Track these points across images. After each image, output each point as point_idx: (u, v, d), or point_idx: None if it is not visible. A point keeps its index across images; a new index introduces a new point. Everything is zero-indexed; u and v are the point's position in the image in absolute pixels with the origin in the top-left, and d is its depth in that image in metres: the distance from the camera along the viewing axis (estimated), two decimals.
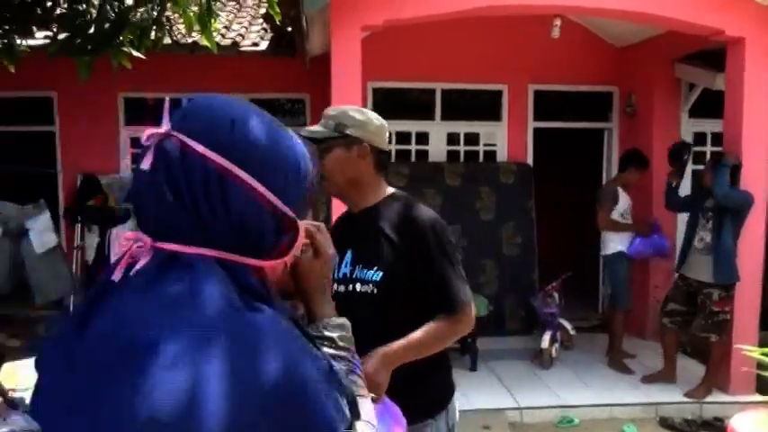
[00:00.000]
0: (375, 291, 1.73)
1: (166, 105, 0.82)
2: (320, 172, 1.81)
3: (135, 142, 6.69)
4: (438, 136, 6.21)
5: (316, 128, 1.79)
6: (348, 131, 1.76)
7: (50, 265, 5.20)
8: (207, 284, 0.74)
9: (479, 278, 5.64)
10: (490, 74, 6.10)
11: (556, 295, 5.21)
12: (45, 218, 5.24)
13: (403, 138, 6.19)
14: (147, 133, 0.80)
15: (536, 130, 6.32)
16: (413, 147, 6.19)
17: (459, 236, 5.74)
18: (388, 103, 6.18)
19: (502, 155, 6.23)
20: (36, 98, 6.52)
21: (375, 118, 1.83)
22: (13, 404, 3.89)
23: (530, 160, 6.23)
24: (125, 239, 0.81)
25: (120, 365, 0.69)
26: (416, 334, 1.68)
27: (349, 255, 1.80)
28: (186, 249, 0.77)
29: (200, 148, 0.77)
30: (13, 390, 4.48)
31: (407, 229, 1.75)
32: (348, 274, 1.78)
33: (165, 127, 0.79)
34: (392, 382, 1.60)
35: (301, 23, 4.07)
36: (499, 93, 6.25)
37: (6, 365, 4.32)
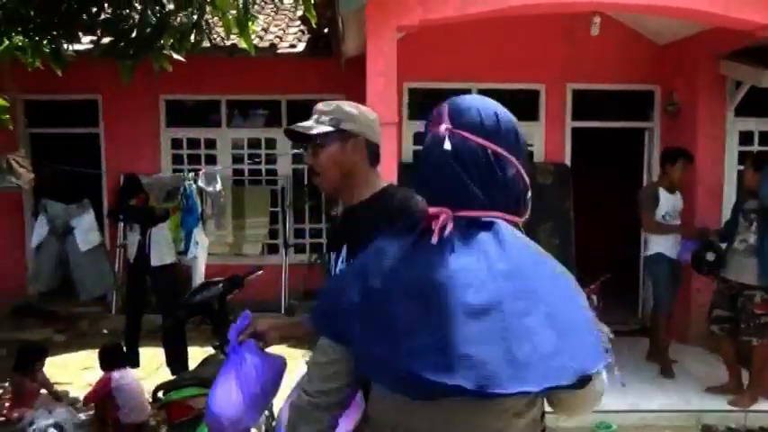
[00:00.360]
0: None
1: (445, 111, 1.17)
2: (314, 168, 1.79)
3: (176, 143, 6.85)
4: None
5: (309, 123, 1.76)
6: (343, 126, 1.74)
7: (94, 262, 5.36)
8: (513, 236, 1.08)
9: None
10: (527, 73, 6.03)
11: (594, 298, 5.10)
12: (89, 217, 5.41)
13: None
14: (440, 130, 1.13)
15: (574, 130, 6.22)
16: None
17: (549, 233, 5.65)
18: (423, 104, 6.17)
19: (539, 155, 6.15)
20: (82, 101, 6.73)
21: (368, 111, 1.82)
22: (58, 397, 4.04)
23: (567, 160, 6.13)
24: (432, 212, 1.10)
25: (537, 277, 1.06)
26: None
27: (344, 250, 1.76)
28: (484, 213, 1.09)
29: (479, 140, 1.11)
30: (58, 383, 4.63)
31: (397, 219, 1.74)
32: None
33: (447, 125, 1.13)
34: None
35: (337, 25, 4.09)
36: (536, 92, 6.17)
37: (51, 360, 4.46)
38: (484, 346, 0.95)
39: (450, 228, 1.06)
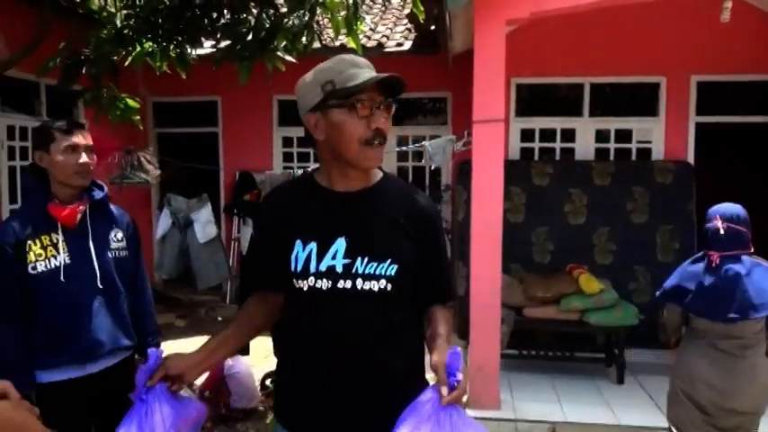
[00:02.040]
0: (389, 287, 1.46)
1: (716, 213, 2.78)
2: (385, 135, 1.48)
3: (287, 141, 7.13)
4: (586, 133, 5.89)
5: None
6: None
7: (211, 254, 5.70)
8: (750, 260, 2.68)
9: (629, 285, 5.27)
10: (646, 65, 5.66)
11: None
12: (207, 211, 5.76)
13: (547, 135, 5.95)
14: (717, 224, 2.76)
15: (698, 126, 5.76)
16: (557, 144, 5.93)
17: (606, 238, 5.41)
18: (531, 100, 5.98)
19: (658, 153, 5.76)
20: (203, 102, 7.18)
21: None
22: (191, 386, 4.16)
23: (690, 158, 5.70)
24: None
25: None
26: (442, 329, 1.50)
27: (342, 244, 1.46)
28: (737, 252, 2.67)
29: (734, 226, 2.79)
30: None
31: (418, 216, 1.53)
32: (342, 268, 1.46)
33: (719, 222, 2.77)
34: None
35: (445, 21, 4.05)
36: (656, 86, 5.78)
37: (171, 343, 4.78)
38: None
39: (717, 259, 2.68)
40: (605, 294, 4.61)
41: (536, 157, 5.91)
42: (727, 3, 4.48)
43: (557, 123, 5.91)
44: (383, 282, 1.45)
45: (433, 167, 5.38)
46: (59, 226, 2.10)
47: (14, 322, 2.02)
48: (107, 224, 2.23)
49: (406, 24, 6.61)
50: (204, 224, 5.63)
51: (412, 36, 6.28)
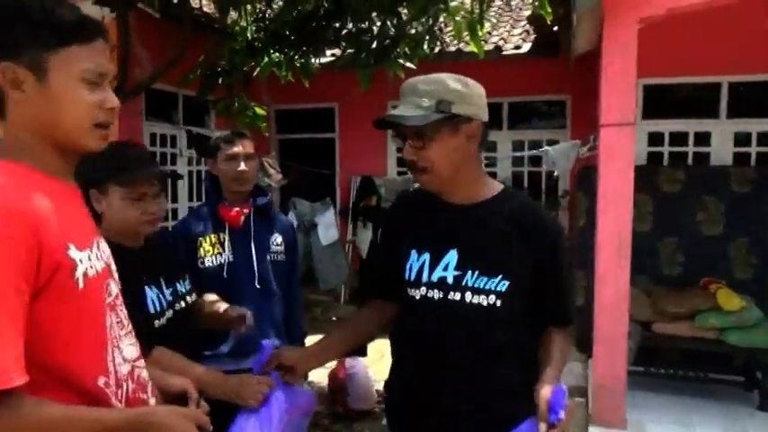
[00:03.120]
0: (498, 303, 1.44)
1: None
2: (420, 165, 1.45)
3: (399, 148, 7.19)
4: (722, 136, 5.43)
5: (409, 111, 1.42)
6: (455, 109, 1.40)
7: (332, 256, 5.86)
8: None
9: None
10: None
11: None
12: (330, 214, 5.94)
13: (678, 138, 5.56)
14: None
15: None
16: (690, 149, 5.52)
17: (746, 251, 4.95)
18: (659, 101, 5.62)
19: None
20: (321, 109, 7.42)
21: (476, 86, 1.47)
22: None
23: None
24: None
25: None
26: (556, 357, 1.45)
27: (453, 256, 1.47)
28: None
29: None
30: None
31: (537, 234, 1.48)
32: (453, 280, 1.46)
33: None
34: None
35: (571, 21, 3.90)
36: None
37: None
38: None
39: None
40: (747, 312, 4.21)
41: (665, 162, 5.54)
42: None
43: (688, 126, 5.50)
44: (492, 297, 1.44)
45: (555, 174, 5.20)
46: (226, 226, 2.28)
47: None
48: (269, 229, 2.38)
49: (524, 26, 6.45)
50: (327, 227, 5.80)
51: (530, 38, 6.11)
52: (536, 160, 6.23)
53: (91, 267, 1.06)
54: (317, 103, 7.29)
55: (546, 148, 5.09)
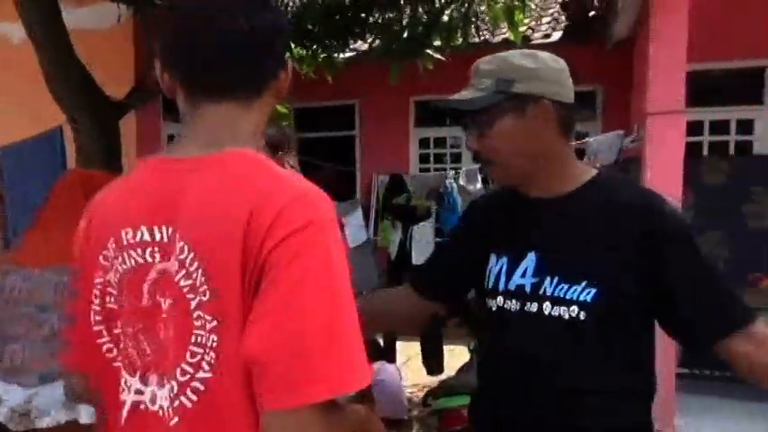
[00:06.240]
0: (583, 315, 1.18)
1: None
2: (484, 156, 1.26)
3: (423, 143, 7.00)
4: (767, 124, 5.18)
5: (467, 94, 1.24)
6: (516, 88, 1.20)
7: (361, 258, 5.66)
8: None
9: None
10: None
11: None
12: (358, 214, 5.74)
13: (719, 127, 5.31)
14: None
15: None
16: (731, 137, 5.27)
17: None
18: (699, 89, 5.35)
19: None
20: (340, 106, 7.24)
21: (550, 59, 1.25)
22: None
23: None
24: None
25: None
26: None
27: (533, 259, 1.24)
28: None
29: None
30: None
31: (647, 232, 1.19)
32: (531, 288, 1.24)
33: None
34: None
35: (611, 5, 3.68)
36: None
37: None
38: None
39: None
40: None
41: (705, 151, 5.29)
42: None
43: (730, 114, 5.25)
44: (575, 308, 1.18)
45: (598, 166, 4.96)
46: None
47: None
48: None
49: (552, 14, 6.22)
50: (355, 228, 5.62)
51: (560, 27, 5.89)
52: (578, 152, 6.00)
53: None
54: (336, 100, 7.10)
55: (587, 138, 4.84)
